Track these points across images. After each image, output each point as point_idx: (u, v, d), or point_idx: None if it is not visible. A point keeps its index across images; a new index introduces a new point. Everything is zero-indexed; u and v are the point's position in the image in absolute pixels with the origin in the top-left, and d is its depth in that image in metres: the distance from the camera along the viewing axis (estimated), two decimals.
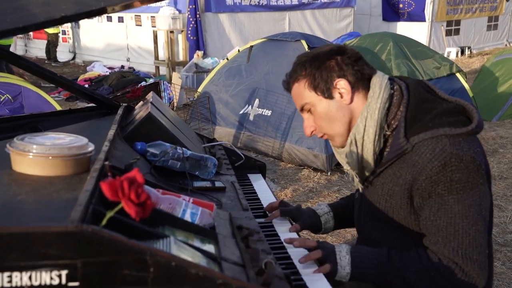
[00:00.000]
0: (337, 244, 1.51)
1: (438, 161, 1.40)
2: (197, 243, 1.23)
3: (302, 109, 1.60)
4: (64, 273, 0.93)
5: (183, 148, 1.77)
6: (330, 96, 1.53)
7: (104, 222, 0.95)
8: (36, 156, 1.32)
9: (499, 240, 3.63)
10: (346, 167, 1.64)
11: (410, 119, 1.49)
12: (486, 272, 1.41)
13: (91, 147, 1.41)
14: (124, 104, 2.17)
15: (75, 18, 1.32)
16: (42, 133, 1.50)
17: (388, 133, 1.52)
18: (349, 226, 1.89)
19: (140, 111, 1.98)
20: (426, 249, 1.46)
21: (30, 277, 0.92)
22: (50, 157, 1.31)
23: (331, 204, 1.88)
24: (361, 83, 1.53)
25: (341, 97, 1.53)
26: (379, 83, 1.52)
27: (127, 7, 1.37)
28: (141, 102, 2.15)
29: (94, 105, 2.20)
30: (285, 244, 1.55)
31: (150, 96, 2.08)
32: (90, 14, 1.32)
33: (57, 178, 1.32)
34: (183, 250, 1.11)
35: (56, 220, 1.04)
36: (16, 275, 0.92)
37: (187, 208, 1.30)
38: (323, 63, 1.52)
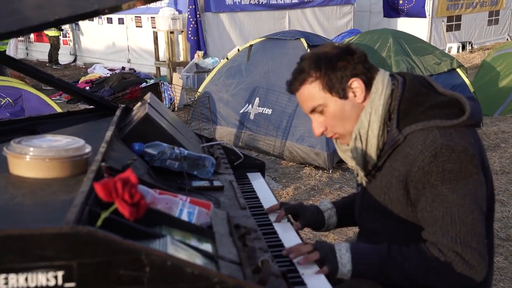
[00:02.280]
0: (337, 243, 1.52)
1: (429, 152, 1.42)
2: (194, 242, 1.24)
3: (313, 111, 1.59)
4: (60, 274, 0.94)
5: (181, 148, 1.77)
6: (345, 96, 1.54)
7: (99, 223, 0.95)
8: (33, 159, 1.32)
9: (502, 235, 3.63)
10: (350, 163, 1.64)
11: (403, 111, 1.52)
12: (486, 262, 1.41)
13: (88, 149, 1.42)
14: (122, 105, 2.17)
15: (69, 20, 1.33)
16: (39, 136, 1.51)
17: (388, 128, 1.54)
18: (351, 224, 1.90)
19: (138, 112, 1.98)
20: (426, 242, 1.46)
21: (26, 279, 0.93)
22: (47, 160, 1.32)
23: (333, 202, 1.89)
24: (369, 81, 1.55)
25: (355, 96, 1.55)
26: (381, 79, 1.55)
27: (119, 9, 1.38)
28: (139, 103, 2.16)
29: (92, 107, 2.21)
30: (283, 241, 1.55)
31: (148, 96, 2.09)
32: (84, 16, 1.33)
33: (54, 180, 1.33)
34: (180, 250, 1.11)
35: (52, 222, 1.04)
36: (12, 277, 0.92)
37: (184, 208, 1.31)
38: (336, 64, 1.53)
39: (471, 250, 1.39)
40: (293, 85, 1.59)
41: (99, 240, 0.93)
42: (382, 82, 1.54)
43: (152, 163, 1.72)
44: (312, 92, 1.55)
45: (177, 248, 1.10)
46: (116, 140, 1.71)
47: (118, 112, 2.02)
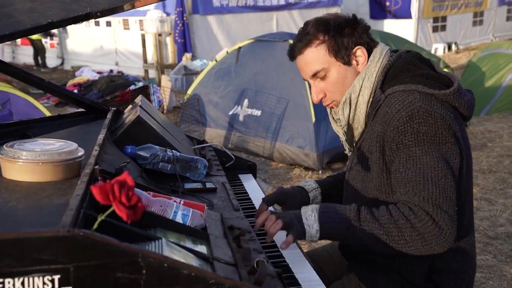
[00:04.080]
0: (303, 206, 1.51)
1: (405, 111, 1.43)
2: (189, 244, 1.24)
3: (314, 75, 1.59)
4: (56, 277, 0.94)
5: (173, 151, 1.78)
6: (348, 63, 1.58)
7: (95, 225, 0.95)
8: (26, 163, 1.32)
9: (490, 234, 3.67)
10: (341, 136, 1.66)
11: (390, 75, 1.55)
12: (455, 227, 1.39)
13: (81, 152, 1.42)
14: (113, 108, 2.17)
15: (61, 24, 1.33)
16: (32, 140, 1.51)
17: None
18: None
19: (129, 114, 1.98)
20: (397, 203, 1.44)
21: (22, 283, 0.92)
22: (40, 163, 1.32)
23: (318, 181, 1.87)
24: (371, 51, 1.59)
25: (357, 64, 1.58)
26: (380, 50, 1.59)
27: (112, 11, 1.38)
28: (130, 106, 2.16)
29: (83, 110, 2.20)
30: (276, 242, 1.56)
31: (139, 99, 2.09)
32: (77, 20, 1.33)
33: (47, 183, 1.33)
34: (175, 252, 1.12)
35: (48, 225, 1.04)
36: (8, 281, 0.92)
37: (178, 210, 1.31)
38: (344, 29, 1.56)
39: (442, 212, 1.37)
40: (296, 47, 1.59)
41: (95, 243, 0.93)
42: (380, 52, 1.58)
43: (145, 166, 1.72)
44: (317, 55, 1.57)
45: (172, 250, 1.11)
46: (108, 143, 1.70)
47: (109, 115, 2.02)
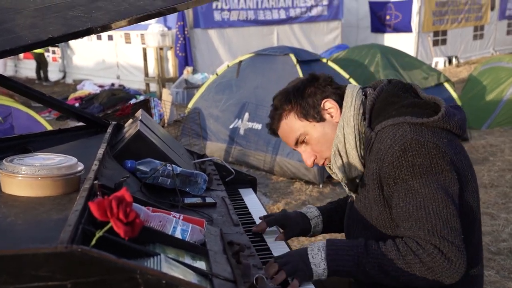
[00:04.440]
0: (310, 244, 1.48)
1: (398, 146, 1.42)
2: (188, 260, 1.23)
3: (297, 143, 1.63)
4: None
5: (173, 165, 1.77)
6: (322, 119, 1.60)
7: (93, 242, 0.95)
8: (25, 177, 1.32)
9: (492, 249, 3.65)
10: (343, 184, 1.66)
11: (376, 111, 1.55)
12: (465, 258, 1.37)
13: (80, 167, 1.42)
14: (113, 122, 2.17)
15: (62, 39, 1.33)
16: (31, 154, 1.51)
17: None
18: (336, 231, 1.88)
19: (130, 129, 1.98)
20: (403, 238, 1.43)
21: None
22: (39, 178, 1.32)
23: (320, 208, 1.87)
24: (341, 99, 1.60)
25: (331, 116, 1.60)
26: (350, 93, 1.60)
27: (111, 27, 1.39)
28: (131, 120, 2.16)
29: (83, 124, 2.21)
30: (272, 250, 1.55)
31: (140, 113, 2.09)
32: (77, 35, 1.34)
33: (47, 198, 1.32)
34: (174, 268, 1.11)
35: (46, 241, 1.04)
36: None
37: (177, 225, 1.31)
38: (304, 91, 1.60)
39: (449, 243, 1.35)
40: (273, 124, 1.65)
41: (93, 259, 0.93)
42: (351, 95, 1.59)
43: (144, 180, 1.71)
44: (290, 124, 1.61)
45: (171, 266, 1.10)
46: (108, 158, 1.70)
47: (109, 129, 2.02)
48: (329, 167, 1.68)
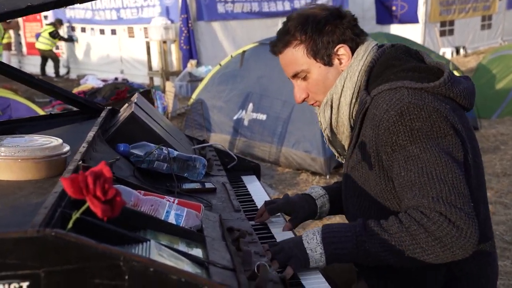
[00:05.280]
0: (307, 230, 1.36)
1: (394, 110, 1.30)
2: (182, 247, 1.12)
3: (295, 76, 1.50)
4: (25, 285, 0.82)
5: (169, 149, 1.66)
6: (329, 63, 1.47)
7: (70, 224, 0.83)
8: (4, 159, 1.21)
9: (507, 238, 3.51)
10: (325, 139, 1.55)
11: (374, 74, 1.43)
12: (476, 226, 1.22)
13: (66, 148, 1.30)
14: (108, 107, 2.06)
15: (42, 8, 1.22)
16: (15, 136, 1.39)
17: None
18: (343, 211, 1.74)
19: (124, 112, 1.87)
20: (406, 210, 1.28)
21: None
22: (19, 160, 1.21)
23: (325, 187, 1.73)
24: (356, 48, 1.47)
25: (340, 63, 1.47)
26: (365, 46, 1.48)
27: None
28: (126, 105, 2.05)
29: (77, 109, 2.10)
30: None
31: (135, 97, 1.97)
32: (59, 4, 1.21)
33: (28, 182, 1.21)
34: (165, 255, 0.99)
35: (19, 226, 0.92)
36: None
37: (171, 210, 1.19)
38: (324, 27, 1.44)
39: (457, 210, 1.21)
40: (277, 47, 1.50)
41: (69, 245, 0.81)
42: (365, 49, 1.47)
43: (138, 165, 1.60)
44: (296, 56, 1.47)
45: (162, 253, 0.98)
46: (99, 141, 1.59)
47: (103, 114, 1.91)
48: (318, 113, 1.56)
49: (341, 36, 1.44)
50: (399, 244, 1.24)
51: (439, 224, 1.21)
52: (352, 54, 1.46)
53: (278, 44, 1.49)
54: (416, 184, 1.25)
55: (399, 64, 1.41)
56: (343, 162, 1.56)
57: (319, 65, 1.46)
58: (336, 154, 1.60)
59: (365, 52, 1.45)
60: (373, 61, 1.44)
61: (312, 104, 1.53)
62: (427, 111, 1.28)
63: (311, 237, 1.31)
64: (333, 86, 1.45)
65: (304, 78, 1.49)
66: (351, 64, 1.44)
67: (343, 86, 1.44)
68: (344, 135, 1.49)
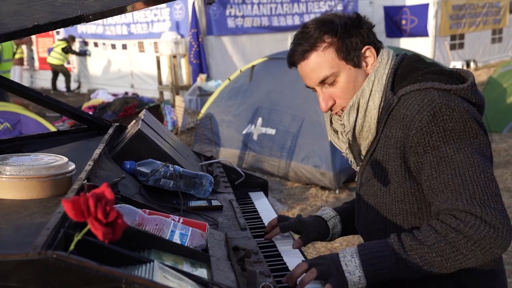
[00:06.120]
0: (341, 250, 1.33)
1: (427, 111, 1.30)
2: (187, 267, 1.10)
3: (322, 81, 1.44)
4: None
5: (176, 166, 1.65)
6: (359, 65, 1.44)
7: (72, 247, 0.82)
8: (10, 178, 1.21)
9: None
10: (343, 147, 1.51)
11: (399, 75, 1.43)
12: (509, 221, 1.21)
13: (71, 167, 1.30)
14: (116, 124, 2.06)
15: (49, 27, 1.22)
16: (20, 154, 1.39)
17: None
18: (355, 232, 1.70)
19: (131, 129, 1.87)
20: (438, 217, 1.28)
21: None
22: (24, 179, 1.20)
23: (335, 208, 1.71)
24: (377, 52, 1.47)
25: (366, 65, 1.46)
26: (387, 52, 1.48)
27: (105, 15, 1.27)
28: (134, 121, 2.05)
29: (85, 126, 2.10)
30: (288, 265, 1.41)
31: (143, 113, 1.98)
32: (66, 23, 1.22)
33: (33, 201, 1.21)
34: (169, 276, 0.98)
35: (21, 247, 0.92)
36: None
37: (176, 229, 1.18)
38: (351, 29, 1.43)
39: (491, 210, 1.20)
40: (299, 52, 1.43)
41: (71, 267, 0.80)
42: (387, 54, 1.46)
43: (145, 182, 1.59)
44: (325, 59, 1.42)
45: (165, 275, 0.97)
46: (106, 159, 1.59)
47: (110, 131, 1.91)
48: (333, 129, 1.54)
49: (366, 38, 1.44)
50: (440, 255, 1.24)
51: (476, 228, 1.21)
52: (376, 56, 1.46)
53: (300, 49, 1.43)
54: (449, 186, 1.26)
55: (423, 67, 1.43)
56: (357, 169, 1.54)
57: (349, 67, 1.43)
58: (352, 160, 1.56)
59: (389, 56, 1.45)
60: (397, 63, 1.45)
61: (337, 113, 1.49)
62: (459, 111, 1.30)
63: (349, 259, 1.29)
64: (360, 89, 1.43)
65: (332, 84, 1.44)
66: (378, 68, 1.43)
67: (371, 89, 1.42)
68: (368, 140, 1.46)
